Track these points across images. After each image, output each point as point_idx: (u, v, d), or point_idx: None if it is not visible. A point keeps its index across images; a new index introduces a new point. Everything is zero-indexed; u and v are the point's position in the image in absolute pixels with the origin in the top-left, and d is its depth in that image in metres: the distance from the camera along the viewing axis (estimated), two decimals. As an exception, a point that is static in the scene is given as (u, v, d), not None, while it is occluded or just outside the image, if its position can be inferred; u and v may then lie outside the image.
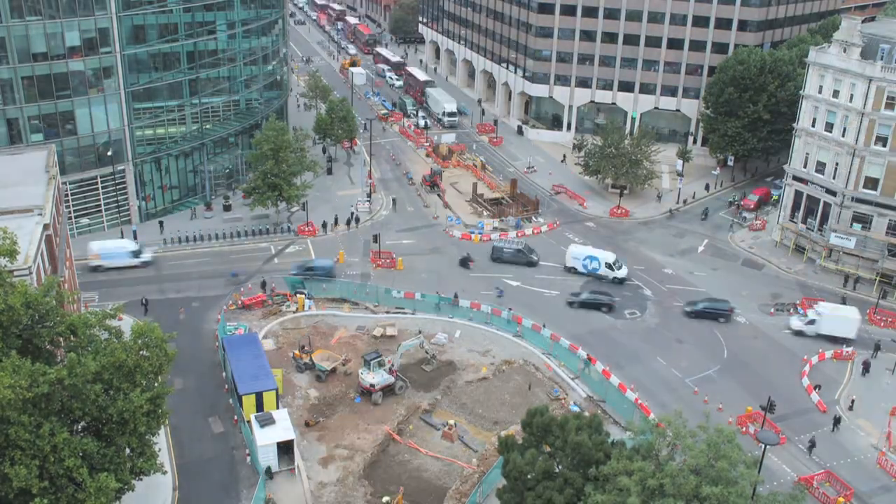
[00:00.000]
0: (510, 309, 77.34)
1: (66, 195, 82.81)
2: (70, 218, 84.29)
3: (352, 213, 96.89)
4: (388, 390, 65.60)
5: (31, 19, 78.86)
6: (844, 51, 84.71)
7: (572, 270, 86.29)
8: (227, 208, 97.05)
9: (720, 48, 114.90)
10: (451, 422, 62.83)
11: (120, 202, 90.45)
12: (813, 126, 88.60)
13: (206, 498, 54.65)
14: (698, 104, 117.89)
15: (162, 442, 57.04)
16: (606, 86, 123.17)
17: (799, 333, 76.44)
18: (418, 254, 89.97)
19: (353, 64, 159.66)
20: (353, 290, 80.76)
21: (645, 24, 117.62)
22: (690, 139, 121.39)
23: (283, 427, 56.98)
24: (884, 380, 70.77)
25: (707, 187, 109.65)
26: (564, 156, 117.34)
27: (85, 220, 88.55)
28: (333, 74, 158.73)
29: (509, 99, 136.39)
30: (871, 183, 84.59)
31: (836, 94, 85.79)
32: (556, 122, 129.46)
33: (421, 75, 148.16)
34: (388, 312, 78.37)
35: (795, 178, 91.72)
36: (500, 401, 66.14)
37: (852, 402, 67.14)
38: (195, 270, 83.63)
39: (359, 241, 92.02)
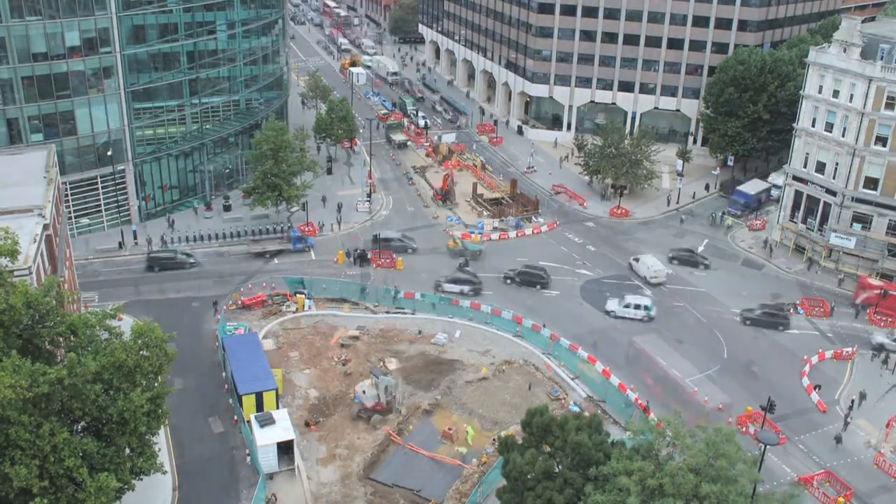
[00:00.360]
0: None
1: (66, 195, 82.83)
2: (70, 218, 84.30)
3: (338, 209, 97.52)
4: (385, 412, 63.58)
5: (31, 19, 78.84)
6: (844, 51, 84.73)
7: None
8: (227, 208, 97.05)
9: (720, 48, 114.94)
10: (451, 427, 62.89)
11: (120, 202, 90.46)
12: (813, 126, 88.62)
13: (206, 498, 54.66)
14: (698, 104, 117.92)
15: (162, 442, 57.06)
16: (606, 86, 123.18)
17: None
18: (418, 254, 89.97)
19: (353, 64, 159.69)
20: (353, 290, 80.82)
21: (645, 24, 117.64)
22: (690, 139, 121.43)
23: (283, 427, 57.00)
24: (884, 380, 70.77)
25: (707, 187, 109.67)
26: (563, 158, 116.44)
27: (85, 220, 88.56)
28: (333, 74, 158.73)
29: (509, 99, 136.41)
30: (871, 183, 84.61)
31: (836, 94, 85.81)
32: (556, 122, 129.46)
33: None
34: (388, 312, 78.39)
35: (795, 178, 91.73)
36: (500, 401, 66.15)
37: (852, 402, 67.15)
38: (195, 270, 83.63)
39: (359, 242, 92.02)
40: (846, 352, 73.91)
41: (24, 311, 41.76)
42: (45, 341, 43.92)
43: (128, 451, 44.55)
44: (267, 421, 57.11)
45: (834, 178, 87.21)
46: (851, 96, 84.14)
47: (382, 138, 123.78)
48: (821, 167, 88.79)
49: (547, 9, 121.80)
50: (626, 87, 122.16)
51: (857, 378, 70.83)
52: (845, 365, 72.91)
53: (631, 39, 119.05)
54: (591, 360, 71.00)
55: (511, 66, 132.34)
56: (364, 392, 63.34)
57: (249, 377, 61.06)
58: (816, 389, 68.23)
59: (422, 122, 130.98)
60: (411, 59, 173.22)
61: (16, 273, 46.72)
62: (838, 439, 62.81)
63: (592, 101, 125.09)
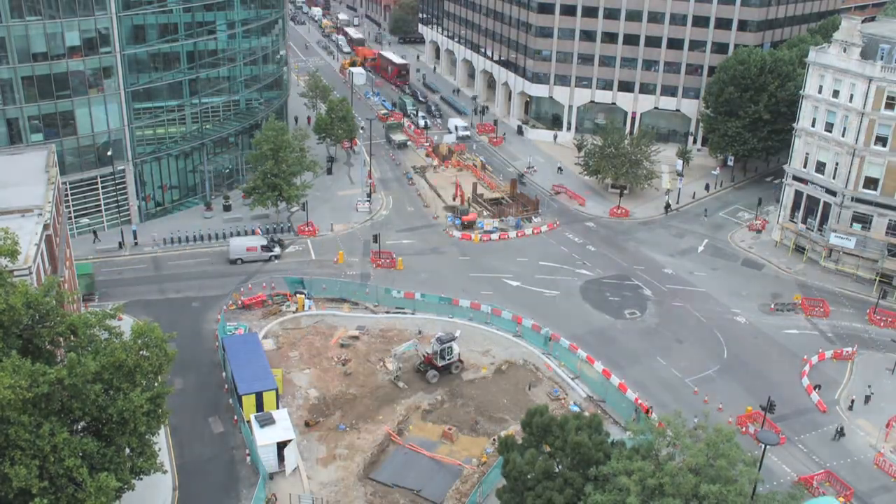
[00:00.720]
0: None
1: (66, 195, 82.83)
2: (70, 218, 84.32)
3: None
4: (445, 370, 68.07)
5: (31, 19, 78.86)
6: (844, 51, 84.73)
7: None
8: (227, 208, 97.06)
9: (720, 48, 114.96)
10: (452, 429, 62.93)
11: (120, 202, 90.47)
12: (813, 126, 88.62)
13: (206, 498, 54.66)
14: (698, 104, 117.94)
15: (162, 442, 57.09)
16: (606, 86, 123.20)
17: None
18: (418, 254, 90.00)
19: (353, 64, 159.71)
20: (353, 290, 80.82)
21: (645, 24, 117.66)
22: (690, 139, 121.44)
23: (283, 427, 57.01)
24: (884, 380, 70.78)
25: (707, 187, 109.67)
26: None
27: (85, 220, 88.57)
28: (333, 74, 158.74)
29: (509, 99, 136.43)
30: (871, 183, 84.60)
31: (836, 94, 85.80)
32: (556, 122, 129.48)
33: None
34: (388, 312, 78.40)
35: (795, 178, 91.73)
36: (500, 401, 66.14)
37: (852, 402, 67.15)
38: (195, 270, 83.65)
39: (359, 241, 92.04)
40: (846, 352, 73.90)
41: (24, 311, 41.77)
42: (45, 341, 43.93)
43: (128, 451, 44.56)
44: (267, 421, 57.12)
45: (834, 178, 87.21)
46: (851, 96, 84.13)
47: (382, 138, 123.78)
48: (821, 167, 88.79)
49: (547, 9, 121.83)
50: (626, 87, 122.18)
51: (857, 378, 70.80)
52: (845, 365, 72.90)
53: (631, 39, 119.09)
54: (591, 360, 70.99)
55: (511, 66, 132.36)
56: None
57: (249, 377, 61.07)
58: (816, 389, 68.22)
59: (422, 122, 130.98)
60: (417, 58, 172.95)
61: (16, 273, 46.75)
62: (840, 431, 62.96)
63: (592, 101, 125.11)
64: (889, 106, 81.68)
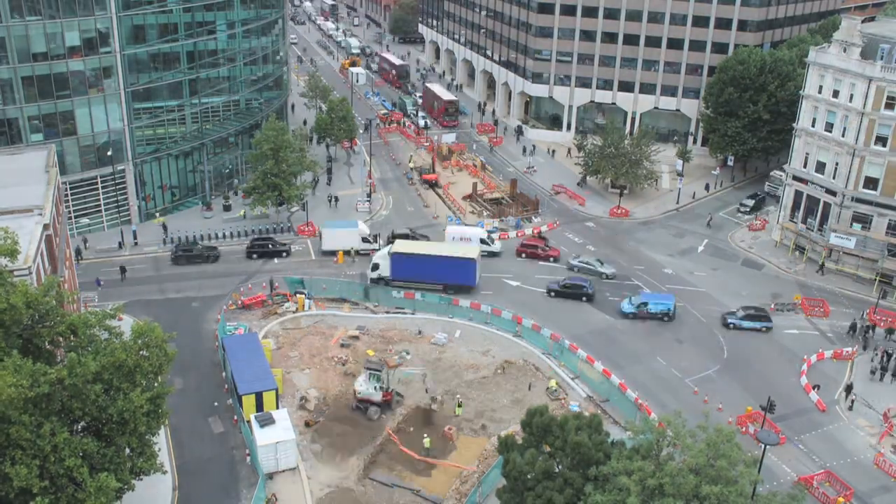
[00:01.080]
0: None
1: (66, 195, 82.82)
2: (70, 218, 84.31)
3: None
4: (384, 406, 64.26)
5: (31, 19, 78.87)
6: (844, 51, 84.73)
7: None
8: (227, 208, 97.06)
9: (720, 48, 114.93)
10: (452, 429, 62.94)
11: (120, 202, 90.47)
12: (813, 126, 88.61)
13: (206, 498, 54.67)
14: (698, 104, 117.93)
15: (162, 442, 57.05)
16: (606, 86, 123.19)
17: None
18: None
19: (353, 64, 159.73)
20: (353, 290, 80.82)
21: (645, 24, 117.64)
22: (690, 139, 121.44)
23: (283, 427, 57.00)
24: (884, 380, 70.74)
25: (707, 187, 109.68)
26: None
27: (85, 220, 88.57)
28: (333, 74, 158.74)
29: (509, 99, 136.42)
30: (871, 183, 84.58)
31: (836, 94, 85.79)
32: (555, 122, 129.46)
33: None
34: (388, 312, 78.40)
35: (795, 178, 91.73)
36: (500, 401, 66.12)
37: (852, 402, 67.14)
38: (195, 270, 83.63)
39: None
40: (846, 352, 73.90)
41: (24, 310, 41.79)
42: (46, 341, 43.96)
43: (128, 451, 44.56)
44: (267, 421, 57.12)
45: (834, 178, 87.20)
46: (851, 96, 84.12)
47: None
48: (821, 167, 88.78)
49: (547, 9, 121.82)
50: (626, 87, 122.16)
51: (857, 378, 70.79)
52: (845, 365, 72.89)
53: (631, 39, 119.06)
54: (591, 360, 71.00)
55: (511, 65, 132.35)
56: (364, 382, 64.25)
57: (249, 377, 61.08)
58: (815, 389, 68.21)
59: (421, 122, 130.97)
60: (417, 61, 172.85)
61: (16, 273, 46.75)
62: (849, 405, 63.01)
63: (592, 101, 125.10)
64: (889, 106, 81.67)
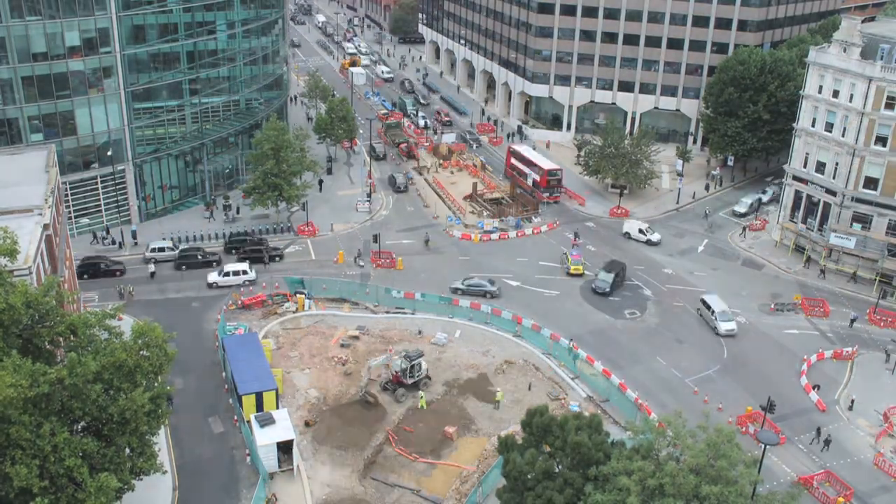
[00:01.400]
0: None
1: (66, 195, 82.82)
2: (70, 218, 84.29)
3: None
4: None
5: (31, 19, 78.84)
6: (844, 51, 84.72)
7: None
8: (227, 208, 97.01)
9: (720, 48, 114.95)
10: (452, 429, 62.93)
11: (120, 202, 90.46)
12: (813, 126, 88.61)
13: (206, 498, 54.67)
14: (698, 104, 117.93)
15: (162, 442, 57.07)
16: (606, 86, 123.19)
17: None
18: (418, 254, 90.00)
19: (353, 64, 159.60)
20: (353, 290, 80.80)
21: (645, 24, 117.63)
22: (690, 139, 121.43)
23: (283, 427, 56.99)
24: (884, 380, 70.79)
25: (707, 187, 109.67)
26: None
27: (85, 220, 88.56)
28: (333, 74, 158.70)
29: (509, 99, 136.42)
30: (871, 183, 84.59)
31: (836, 94, 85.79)
32: (555, 122, 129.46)
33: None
34: (388, 312, 78.39)
35: (795, 178, 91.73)
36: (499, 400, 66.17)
37: (852, 402, 67.15)
38: (194, 270, 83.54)
39: (359, 241, 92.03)
40: (846, 352, 73.90)
41: (24, 310, 41.79)
42: (45, 341, 43.95)
43: (128, 451, 44.55)
44: (267, 421, 57.10)
45: (834, 178, 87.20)
46: (851, 96, 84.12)
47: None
48: (821, 167, 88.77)
49: (547, 9, 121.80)
50: (626, 87, 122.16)
51: (856, 378, 70.80)
52: (845, 365, 72.90)
53: (631, 39, 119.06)
54: (590, 360, 71.00)
55: (511, 65, 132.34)
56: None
57: (249, 377, 61.06)
58: (815, 389, 68.22)
59: (422, 122, 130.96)
60: (412, 58, 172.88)
61: (16, 273, 46.77)
62: (825, 438, 62.53)
63: (592, 101, 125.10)
64: (889, 106, 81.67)
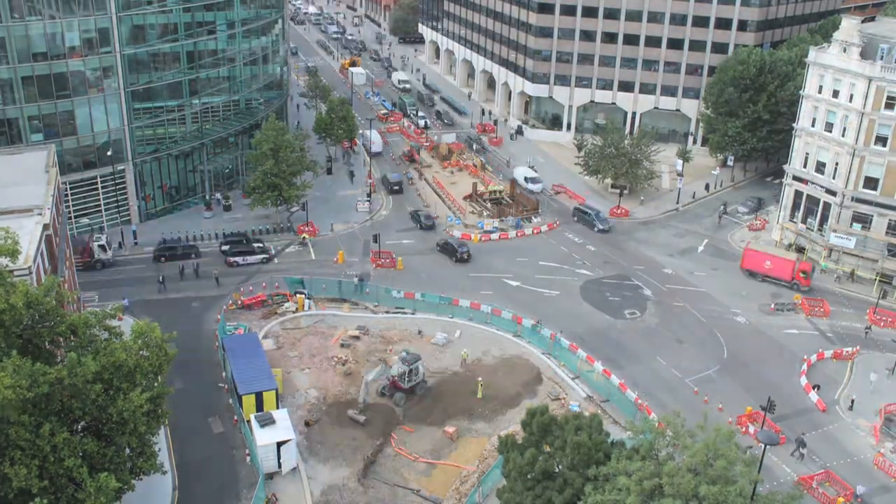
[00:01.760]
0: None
1: (66, 195, 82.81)
2: (70, 218, 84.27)
3: None
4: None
5: (31, 19, 78.87)
6: (844, 51, 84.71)
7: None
8: (226, 208, 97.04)
9: (720, 48, 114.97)
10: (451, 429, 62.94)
11: (120, 202, 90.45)
12: (813, 126, 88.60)
13: (206, 498, 54.66)
14: (698, 104, 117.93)
15: (162, 442, 56.99)
16: (606, 86, 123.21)
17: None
18: (418, 254, 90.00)
19: (353, 64, 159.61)
20: (354, 290, 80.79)
21: (645, 24, 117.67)
22: (690, 139, 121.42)
23: (283, 427, 56.99)
24: (883, 380, 70.77)
25: (707, 187, 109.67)
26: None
27: (85, 220, 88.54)
28: (333, 74, 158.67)
29: (509, 99, 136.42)
30: (871, 183, 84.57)
31: (835, 94, 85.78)
32: (555, 122, 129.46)
33: None
34: (387, 312, 78.37)
35: (795, 178, 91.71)
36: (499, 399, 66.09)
37: (852, 402, 67.13)
38: (194, 270, 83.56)
39: (359, 241, 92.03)
40: (846, 352, 73.90)
41: (24, 311, 41.77)
42: (45, 341, 43.93)
43: (128, 451, 44.55)
44: (267, 421, 57.10)
45: (834, 178, 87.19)
46: (851, 96, 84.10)
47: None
48: (821, 167, 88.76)
49: (547, 9, 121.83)
50: (626, 87, 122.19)
51: (856, 378, 70.78)
52: (845, 365, 72.88)
53: (631, 39, 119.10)
54: (591, 360, 70.99)
55: (511, 66, 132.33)
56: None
57: (249, 377, 61.06)
58: (815, 389, 68.20)
59: (421, 123, 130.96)
60: (412, 59, 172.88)
61: (16, 273, 46.73)
62: (801, 446, 61.77)
63: (592, 101, 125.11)
64: (889, 106, 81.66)
